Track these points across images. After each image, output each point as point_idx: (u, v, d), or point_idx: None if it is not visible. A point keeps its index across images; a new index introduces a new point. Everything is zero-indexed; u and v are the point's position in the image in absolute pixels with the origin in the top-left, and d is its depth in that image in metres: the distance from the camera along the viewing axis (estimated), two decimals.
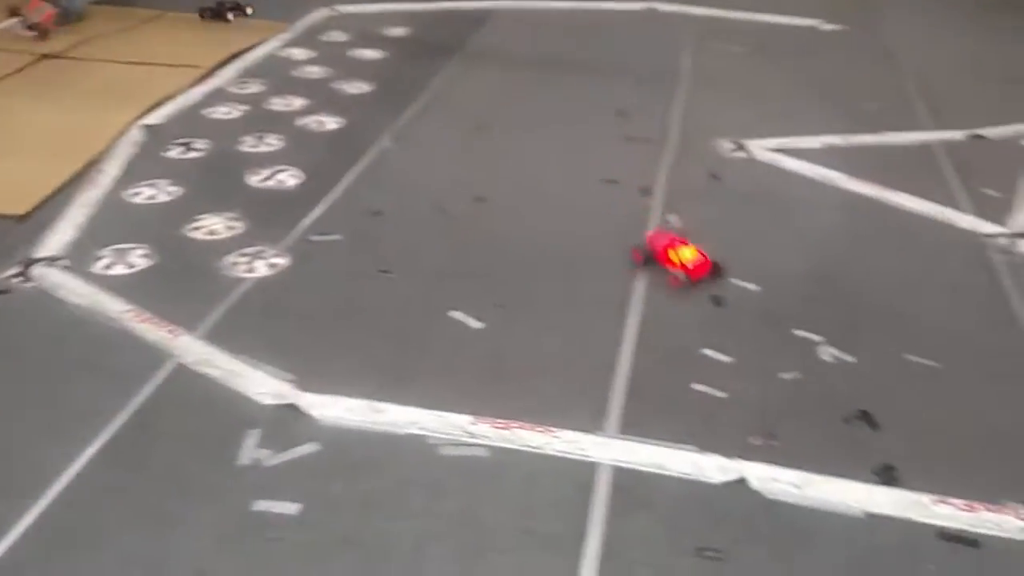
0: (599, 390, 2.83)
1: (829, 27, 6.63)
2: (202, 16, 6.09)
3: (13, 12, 4.30)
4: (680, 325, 3.19)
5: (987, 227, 3.88)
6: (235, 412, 2.65)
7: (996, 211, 4.01)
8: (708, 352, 3.04)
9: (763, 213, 3.99)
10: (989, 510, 2.41)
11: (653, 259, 3.48)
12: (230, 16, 6.08)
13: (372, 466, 2.49)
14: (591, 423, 2.67)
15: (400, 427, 2.61)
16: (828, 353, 3.06)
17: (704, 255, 3.44)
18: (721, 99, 5.21)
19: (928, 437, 2.71)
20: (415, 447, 2.56)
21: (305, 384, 2.75)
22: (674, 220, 3.85)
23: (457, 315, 3.17)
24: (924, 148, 4.69)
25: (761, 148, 4.57)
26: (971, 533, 2.36)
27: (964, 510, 2.41)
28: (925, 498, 2.44)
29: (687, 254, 3.42)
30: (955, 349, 3.12)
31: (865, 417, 2.77)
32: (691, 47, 6.10)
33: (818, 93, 5.33)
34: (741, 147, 4.57)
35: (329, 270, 3.43)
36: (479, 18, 6.52)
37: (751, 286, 3.43)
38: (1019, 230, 3.84)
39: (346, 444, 2.56)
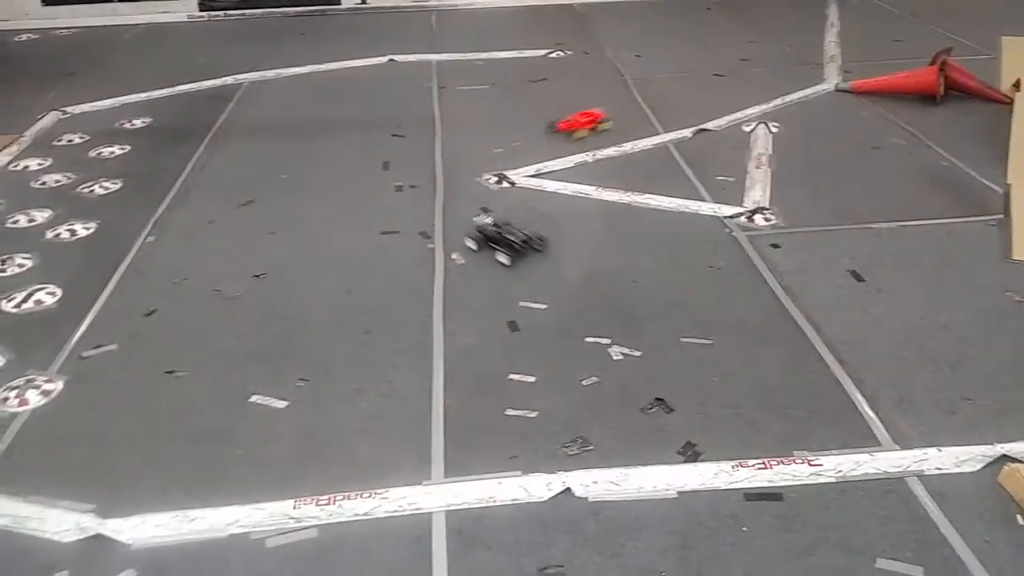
0: (418, 439, 2.87)
1: (557, 54, 7.13)
2: None
3: None
4: (483, 357, 3.30)
5: (726, 210, 4.33)
6: (34, 559, 2.43)
7: (731, 194, 4.49)
8: (514, 377, 3.17)
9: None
10: (783, 463, 2.69)
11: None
12: None
13: None
14: (416, 474, 2.70)
15: (219, 530, 2.51)
16: (618, 352, 3.29)
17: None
18: (476, 137, 5.44)
19: (716, 409, 2.98)
20: (240, 547, 2.47)
21: (108, 510, 2.57)
22: (457, 257, 3.98)
23: (258, 399, 3.09)
24: (660, 150, 5.16)
25: (521, 176, 4.83)
26: (772, 488, 2.61)
27: (761, 469, 2.67)
28: (726, 466, 2.69)
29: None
30: (722, 323, 3.45)
31: (661, 403, 3.01)
32: (437, 92, 6.33)
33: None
34: (503, 178, 4.80)
35: (110, 383, 3.23)
36: (224, 95, 6.39)
37: (539, 305, 3.61)
38: (753, 207, 4.32)
39: (165, 562, 2.42)
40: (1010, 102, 5.31)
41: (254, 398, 3.09)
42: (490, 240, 4.02)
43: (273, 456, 2.83)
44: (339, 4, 8.94)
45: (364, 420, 2.99)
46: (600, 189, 4.62)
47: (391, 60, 7.11)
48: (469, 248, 4.03)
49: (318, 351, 3.37)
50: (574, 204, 4.53)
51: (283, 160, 5.22)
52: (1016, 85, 5.43)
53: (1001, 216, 4.12)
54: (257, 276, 3.92)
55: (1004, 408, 2.91)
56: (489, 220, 4.17)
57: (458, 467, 2.73)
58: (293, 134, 5.66)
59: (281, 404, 3.06)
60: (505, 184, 4.76)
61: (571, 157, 5.02)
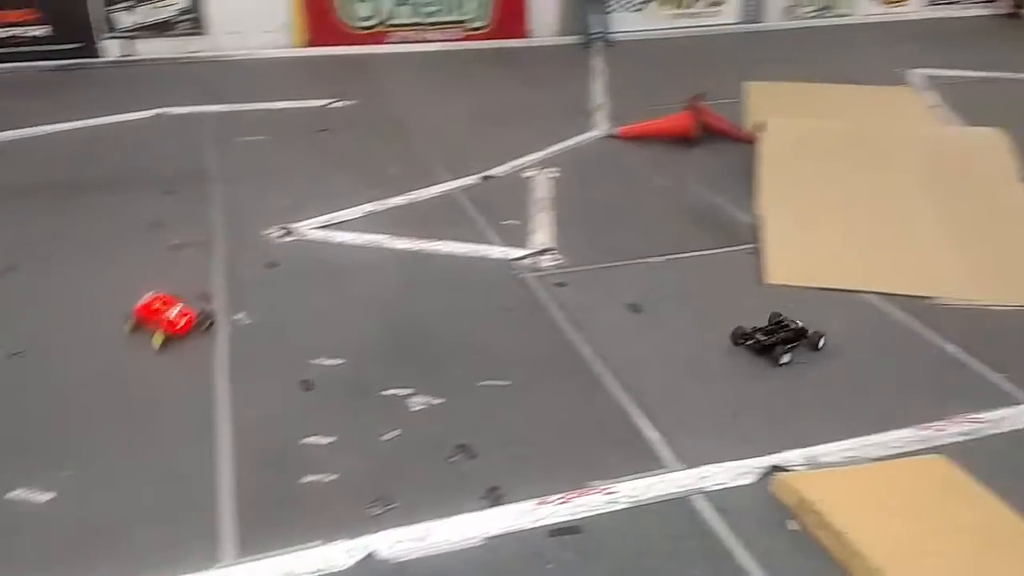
0: (206, 521, 2.68)
1: (339, 104, 7.08)
2: None
3: None
4: (275, 423, 3.15)
5: (515, 252, 4.46)
6: None
7: (518, 237, 4.64)
8: (309, 440, 3.05)
9: (327, 289, 4.12)
10: (580, 495, 2.77)
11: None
12: None
13: None
14: (206, 559, 2.52)
15: None
16: (418, 402, 3.27)
17: (189, 311, 3.72)
18: (258, 190, 5.27)
19: (516, 448, 3.03)
20: None
21: None
22: (242, 317, 3.81)
23: (18, 494, 2.77)
24: (448, 197, 5.24)
25: (309, 228, 4.73)
26: (572, 521, 2.68)
27: (561, 503, 2.74)
28: (529, 505, 2.73)
29: (172, 313, 3.66)
30: (517, 362, 3.53)
31: (463, 450, 3.01)
32: (213, 145, 6.08)
33: (346, 167, 5.65)
34: (290, 231, 4.67)
35: None
36: None
37: (334, 361, 3.52)
38: (538, 248, 4.49)
39: None
40: (756, 141, 5.88)
41: (14, 492, 2.78)
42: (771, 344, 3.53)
43: (39, 556, 2.54)
44: (99, 57, 8.38)
45: (144, 506, 2.75)
46: (392, 238, 4.61)
47: (160, 113, 6.74)
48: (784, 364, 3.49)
49: (88, 435, 3.08)
50: (365, 254, 4.49)
51: (42, 225, 4.79)
52: (759, 126, 6.03)
53: (754, 244, 4.55)
54: (16, 354, 3.54)
55: (770, 421, 3.18)
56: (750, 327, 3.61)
57: (253, 546, 2.57)
58: (53, 196, 5.20)
59: (46, 497, 2.77)
60: (291, 237, 4.63)
61: (360, 207, 4.98)
